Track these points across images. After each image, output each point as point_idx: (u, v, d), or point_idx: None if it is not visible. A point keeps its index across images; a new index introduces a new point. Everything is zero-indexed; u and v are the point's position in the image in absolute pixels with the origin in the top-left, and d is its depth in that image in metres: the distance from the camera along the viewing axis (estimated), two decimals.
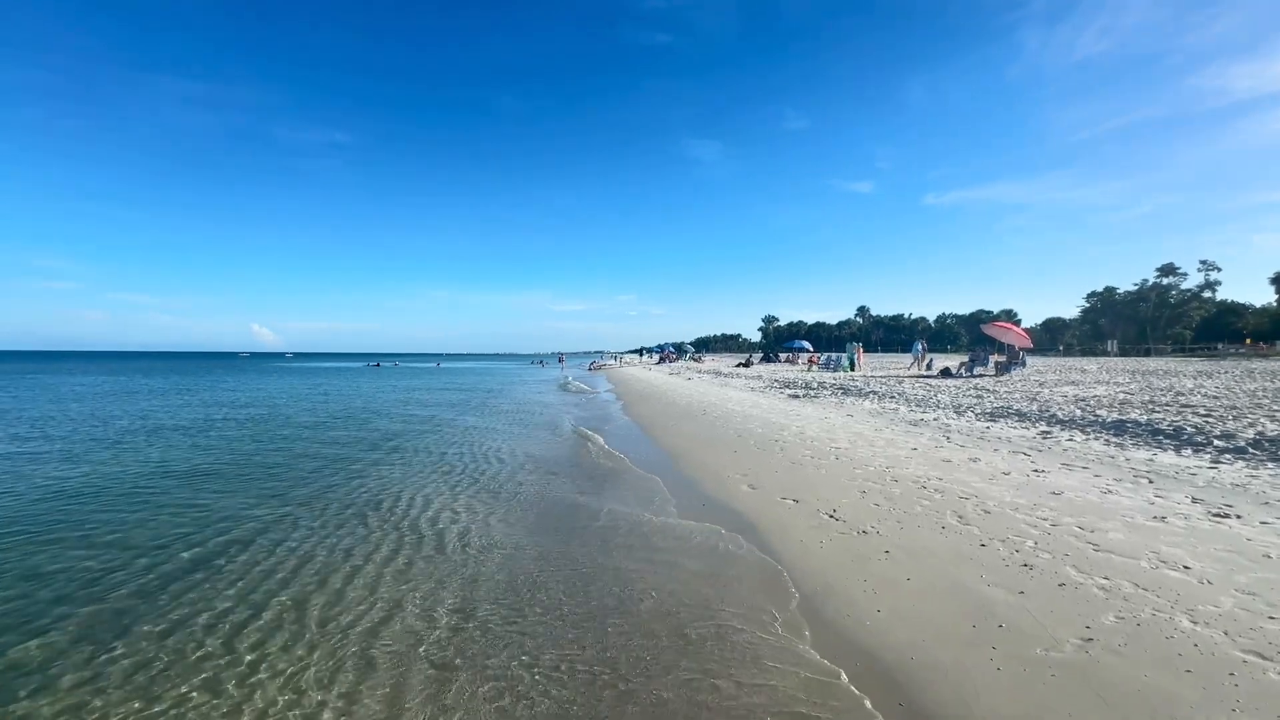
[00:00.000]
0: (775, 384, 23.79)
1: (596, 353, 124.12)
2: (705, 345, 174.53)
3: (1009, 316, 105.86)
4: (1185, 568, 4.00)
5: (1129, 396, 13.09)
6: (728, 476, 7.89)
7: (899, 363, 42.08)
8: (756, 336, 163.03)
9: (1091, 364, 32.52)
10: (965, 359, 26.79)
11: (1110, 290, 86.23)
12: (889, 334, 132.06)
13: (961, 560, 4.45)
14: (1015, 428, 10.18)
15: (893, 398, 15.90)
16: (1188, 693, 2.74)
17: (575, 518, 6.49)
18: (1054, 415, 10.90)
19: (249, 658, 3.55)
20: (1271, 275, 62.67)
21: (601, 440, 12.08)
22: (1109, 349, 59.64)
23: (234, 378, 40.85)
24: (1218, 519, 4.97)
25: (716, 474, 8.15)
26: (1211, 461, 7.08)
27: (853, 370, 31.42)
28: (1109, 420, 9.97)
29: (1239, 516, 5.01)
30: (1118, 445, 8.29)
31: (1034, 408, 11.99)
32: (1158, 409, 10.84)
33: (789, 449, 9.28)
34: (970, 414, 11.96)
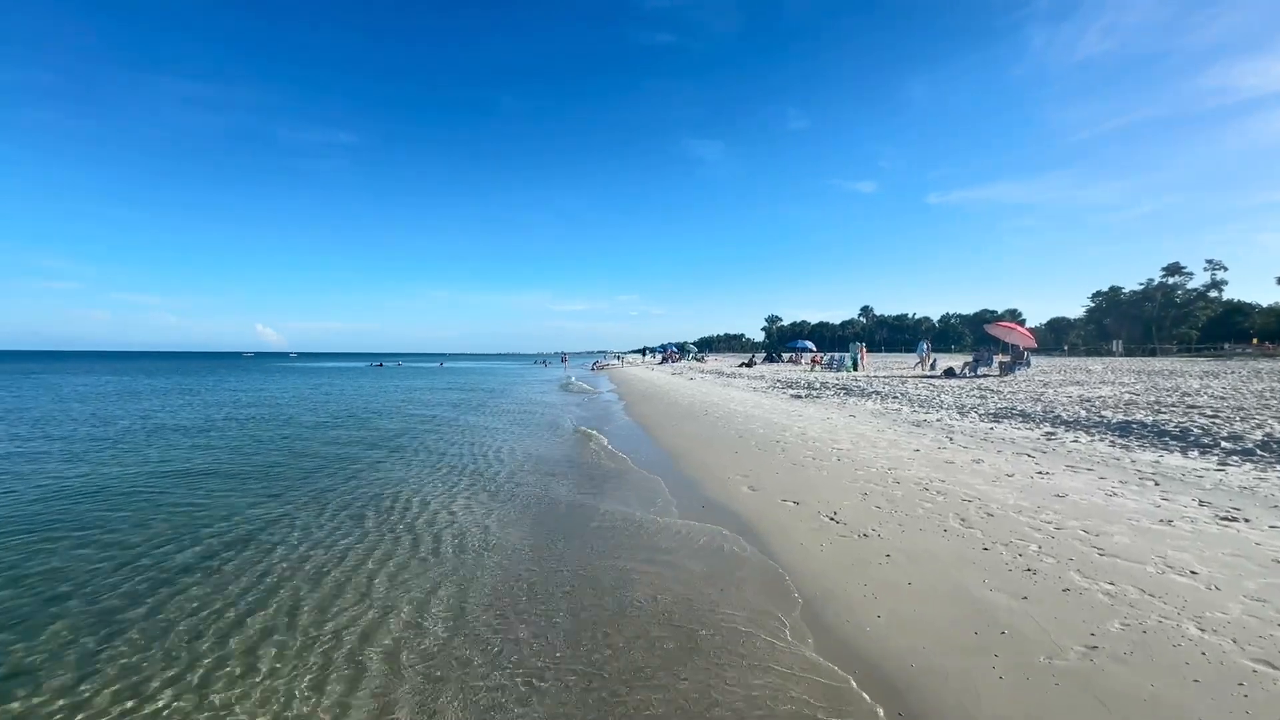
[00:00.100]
0: (777, 384, 23.70)
1: (599, 353, 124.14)
2: (708, 345, 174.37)
3: (1013, 316, 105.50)
4: (1192, 573, 3.92)
5: (1134, 397, 12.97)
6: (729, 478, 7.83)
7: (902, 363, 41.93)
8: (760, 336, 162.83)
9: (1097, 364, 32.32)
10: (969, 359, 26.66)
11: (1115, 290, 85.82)
12: (893, 334, 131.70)
13: (963, 564, 4.37)
14: (1019, 429, 10.09)
15: (895, 398, 15.80)
16: (1195, 703, 2.67)
17: (573, 519, 6.44)
18: (1058, 416, 10.80)
19: (237, 663, 3.51)
20: (1278, 275, 62.21)
21: (602, 440, 12.03)
22: (1114, 349, 59.27)
23: (237, 378, 40.96)
24: (1225, 522, 4.89)
25: (717, 475, 8.08)
26: (1219, 463, 6.98)
27: (856, 370, 31.30)
28: (1114, 421, 9.87)
29: (1247, 520, 4.92)
30: (1123, 447, 8.19)
31: (1038, 408, 11.89)
32: (1164, 410, 10.72)
33: (790, 450, 9.21)
34: (974, 415, 11.86)
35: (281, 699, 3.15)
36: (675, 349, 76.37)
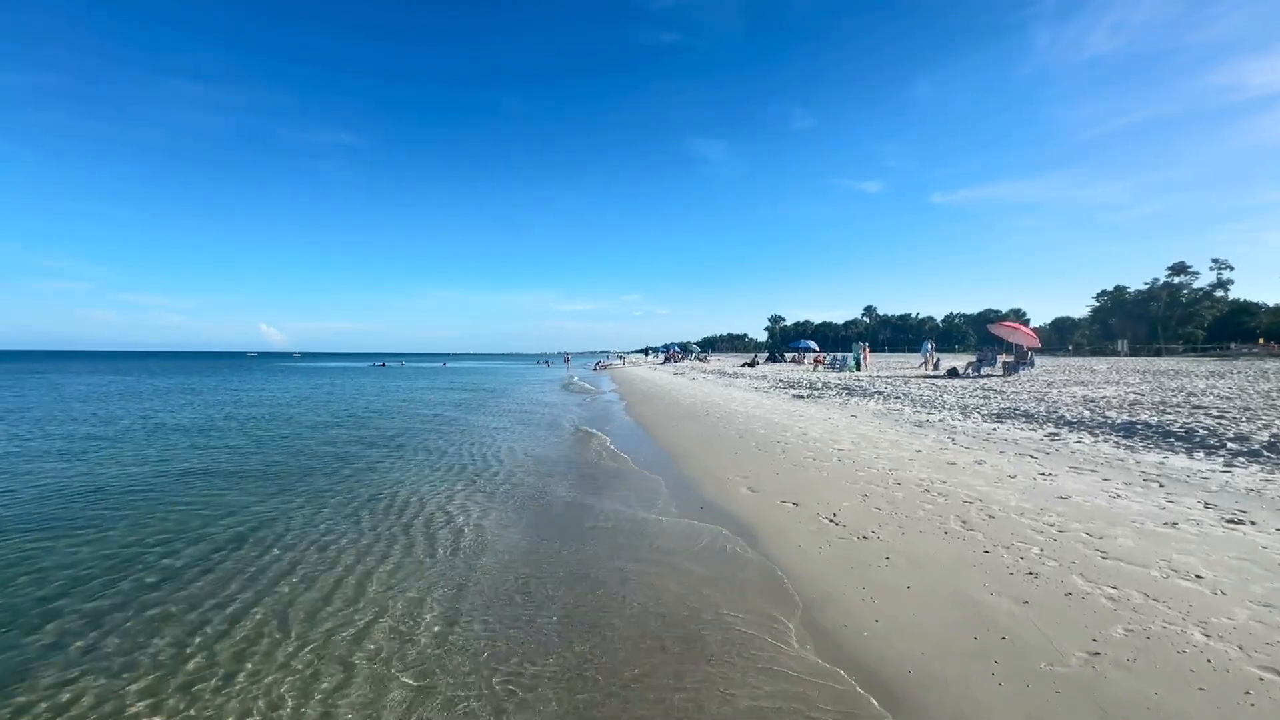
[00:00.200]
0: (779, 384, 23.61)
1: (602, 353, 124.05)
2: (711, 345, 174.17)
3: (1018, 316, 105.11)
4: (1197, 577, 3.85)
5: (1139, 397, 12.85)
6: (728, 479, 7.76)
7: (906, 362, 41.78)
8: (763, 336, 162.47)
9: (1101, 364, 32.12)
10: (972, 359, 26.52)
11: (1120, 289, 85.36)
12: (896, 333, 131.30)
13: (964, 567, 4.31)
14: (1022, 429, 10.00)
15: (898, 398, 15.71)
16: (1200, 712, 2.60)
17: (570, 520, 6.38)
18: (1062, 416, 10.70)
19: (226, 665, 3.46)
20: None
21: (602, 440, 11.97)
22: (1119, 349, 58.95)
23: (240, 378, 41.05)
24: (1232, 525, 4.80)
25: (717, 476, 8.02)
26: (1225, 465, 6.88)
27: (858, 370, 31.18)
28: (1118, 422, 9.77)
29: (1254, 523, 4.84)
30: (1127, 448, 8.10)
31: (1041, 409, 11.79)
32: (1169, 410, 10.61)
33: (791, 450, 9.14)
34: (976, 415, 11.77)
35: (267, 702, 3.10)
36: (678, 349, 76.27)
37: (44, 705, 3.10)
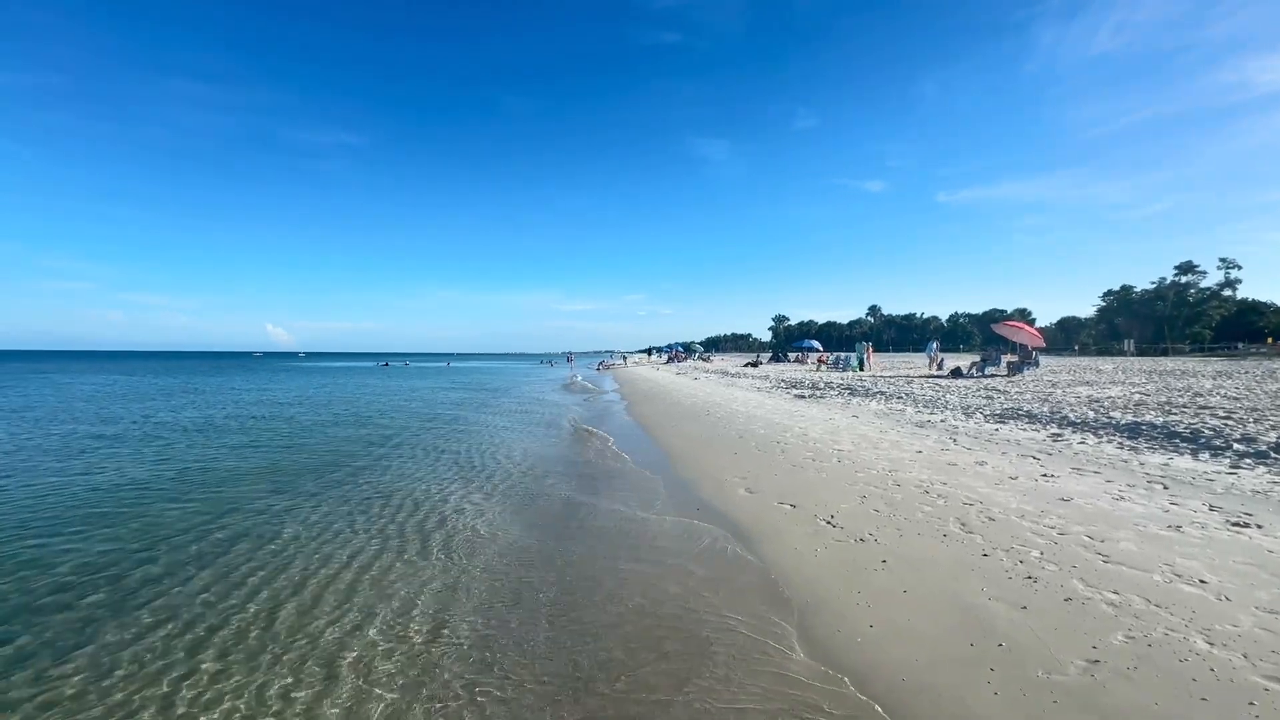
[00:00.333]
0: (782, 384, 23.50)
1: (605, 352, 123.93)
2: (715, 345, 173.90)
3: (1023, 316, 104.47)
4: (1201, 582, 3.75)
5: (1145, 397, 12.70)
6: (726, 479, 7.68)
7: (910, 362, 41.57)
8: (767, 336, 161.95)
9: (1107, 364, 31.87)
10: (976, 359, 26.33)
11: (1127, 289, 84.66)
12: (901, 333, 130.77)
13: (962, 571, 4.22)
14: (1025, 430, 9.88)
15: (900, 398, 15.59)
16: None
17: (566, 520, 6.32)
18: (1065, 417, 10.57)
19: (209, 667, 3.42)
20: None
21: (601, 440, 11.91)
22: (1126, 349, 58.44)
23: (243, 378, 41.16)
24: (1237, 528, 4.70)
25: (715, 477, 7.94)
26: (1231, 466, 6.76)
27: (862, 370, 31.02)
28: (1123, 422, 9.64)
29: (1260, 526, 4.73)
30: (1131, 449, 7.98)
31: (1045, 409, 11.66)
32: (1174, 410, 10.47)
33: (790, 451, 9.05)
34: (979, 415, 11.65)
35: (249, 706, 3.05)
36: (681, 349, 76.12)
37: (17, 707, 3.05)
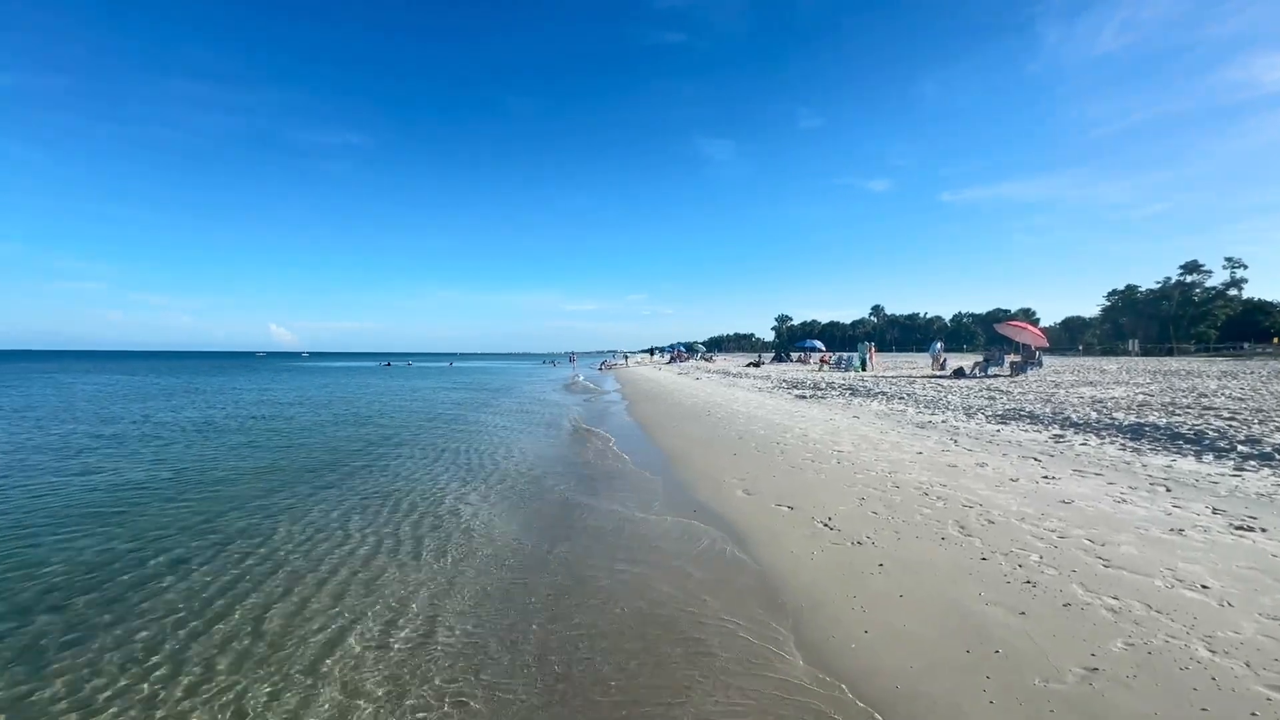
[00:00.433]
0: (783, 384, 23.42)
1: (608, 352, 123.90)
2: (717, 345, 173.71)
3: (1027, 315, 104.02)
4: (1203, 587, 3.68)
5: (1148, 398, 12.59)
6: (724, 481, 7.63)
7: (913, 362, 41.41)
8: (769, 336, 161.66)
9: (1111, 364, 31.69)
10: (979, 359, 26.20)
11: (1132, 288, 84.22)
12: (904, 333, 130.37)
13: (960, 575, 4.16)
14: (1027, 431, 9.80)
15: (902, 399, 15.50)
16: None
17: (562, 520, 6.27)
18: (1068, 418, 10.48)
19: (196, 669, 3.38)
20: None
21: (601, 440, 11.86)
22: (1130, 349, 58.15)
23: (245, 378, 41.26)
24: (1241, 532, 4.62)
25: (713, 478, 7.88)
26: (1235, 468, 6.68)
27: (864, 370, 30.91)
28: (1126, 423, 9.55)
29: (1264, 530, 4.65)
30: (1134, 450, 7.90)
31: (1047, 410, 11.57)
32: (1178, 411, 10.38)
33: (789, 452, 8.99)
34: (981, 416, 11.56)
35: (234, 709, 3.01)
36: (683, 349, 76.10)
37: (6, 706, 3.02)
